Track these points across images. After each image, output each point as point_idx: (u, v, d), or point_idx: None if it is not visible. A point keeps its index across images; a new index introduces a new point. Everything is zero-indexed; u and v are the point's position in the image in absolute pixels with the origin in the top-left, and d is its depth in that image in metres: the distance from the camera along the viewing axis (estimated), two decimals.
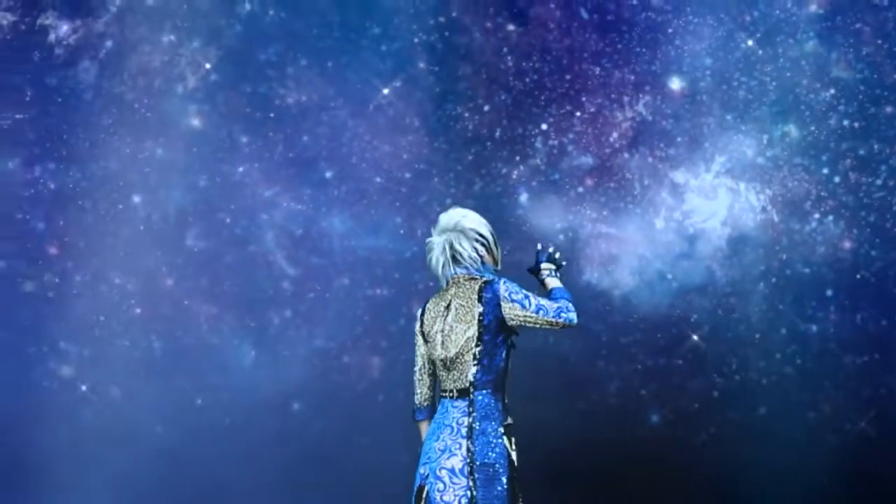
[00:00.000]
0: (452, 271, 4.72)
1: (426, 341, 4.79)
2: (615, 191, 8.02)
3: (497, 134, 8.12)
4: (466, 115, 8.11)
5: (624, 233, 8.01)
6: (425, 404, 4.88)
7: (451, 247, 4.70)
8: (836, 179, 7.82)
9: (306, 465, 7.82)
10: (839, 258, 7.82)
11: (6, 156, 8.12)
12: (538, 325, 4.61)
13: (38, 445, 7.84)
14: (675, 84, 8.00)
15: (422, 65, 8.12)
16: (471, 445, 4.57)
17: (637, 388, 7.95)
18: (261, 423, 7.93)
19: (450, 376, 4.69)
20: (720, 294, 7.91)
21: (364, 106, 8.12)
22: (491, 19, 8.10)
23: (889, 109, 7.77)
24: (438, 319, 4.73)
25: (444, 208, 4.89)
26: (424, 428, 4.83)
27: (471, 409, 4.62)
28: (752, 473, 7.65)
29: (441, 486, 4.56)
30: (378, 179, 8.13)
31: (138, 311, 8.10)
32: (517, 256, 7.74)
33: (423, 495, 4.60)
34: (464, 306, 4.67)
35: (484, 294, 4.64)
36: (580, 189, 8.04)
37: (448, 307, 4.71)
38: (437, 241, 4.75)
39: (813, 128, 7.85)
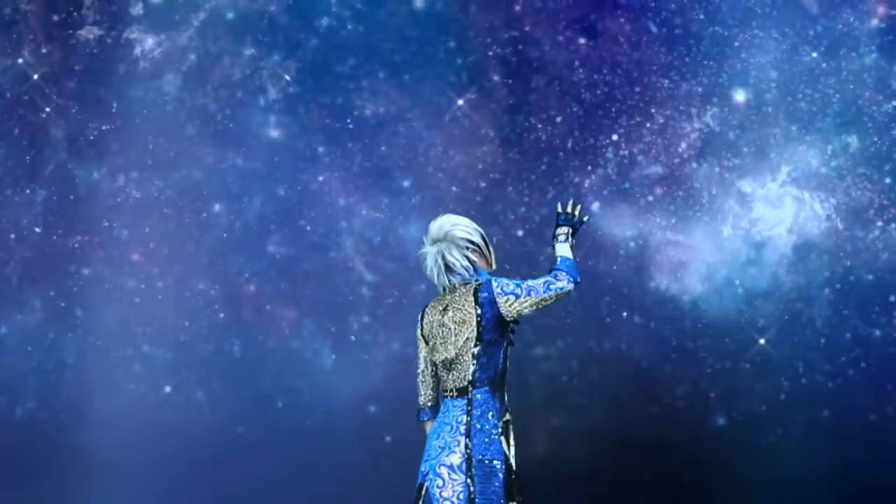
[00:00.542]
0: (447, 280, 4.78)
1: (427, 344, 4.88)
2: (684, 199, 8.16)
3: (569, 144, 8.27)
4: (539, 125, 8.26)
5: (692, 240, 8.15)
6: (429, 405, 4.98)
7: (443, 258, 4.75)
8: None
9: (384, 466, 7.90)
10: None
11: (92, 166, 8.35)
12: (538, 306, 4.67)
13: (122, 446, 7.98)
14: (741, 96, 8.15)
15: (496, 77, 8.29)
16: (468, 442, 4.63)
17: (705, 392, 8.08)
18: (339, 424, 8.06)
19: (450, 376, 4.76)
20: (786, 300, 8.03)
21: (439, 117, 8.29)
22: (562, 33, 8.26)
23: None
24: (437, 323, 4.80)
25: (435, 216, 4.91)
26: (429, 427, 4.92)
27: (469, 407, 4.68)
28: (818, 474, 7.76)
29: (440, 482, 4.62)
30: (453, 188, 8.29)
31: (221, 315, 8.28)
32: (589, 264, 7.96)
33: (424, 492, 4.66)
34: (462, 309, 4.73)
35: (480, 295, 4.69)
36: (650, 198, 8.19)
37: (446, 311, 4.77)
38: (429, 252, 4.79)
39: (875, 138, 8.00)
